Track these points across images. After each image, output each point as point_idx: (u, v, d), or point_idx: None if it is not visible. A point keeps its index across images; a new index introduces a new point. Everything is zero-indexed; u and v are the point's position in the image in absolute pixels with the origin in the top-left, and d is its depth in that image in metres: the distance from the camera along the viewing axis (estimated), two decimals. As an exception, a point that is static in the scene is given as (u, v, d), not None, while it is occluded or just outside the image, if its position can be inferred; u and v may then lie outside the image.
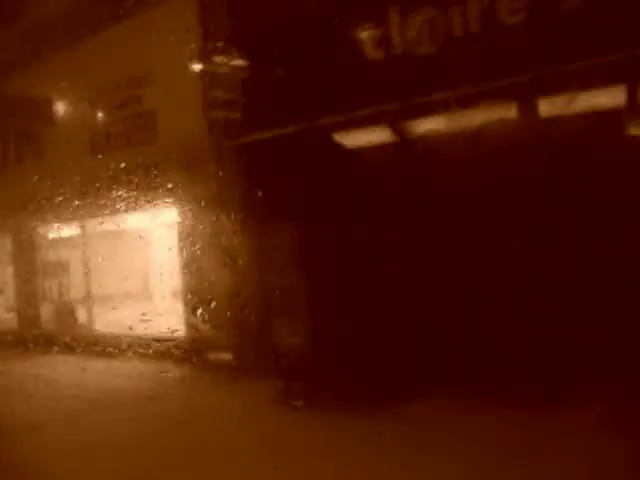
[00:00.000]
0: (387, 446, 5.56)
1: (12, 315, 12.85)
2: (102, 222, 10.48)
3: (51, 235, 12.70)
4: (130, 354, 10.07)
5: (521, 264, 6.49)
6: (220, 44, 8.78)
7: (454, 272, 7.09)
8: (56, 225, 12.22)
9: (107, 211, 10.84)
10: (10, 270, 13.36)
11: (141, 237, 10.92)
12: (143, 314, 9.61)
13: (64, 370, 10.10)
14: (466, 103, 6.91)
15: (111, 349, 10.65)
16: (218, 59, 8.53)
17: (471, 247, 6.78)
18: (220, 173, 9.18)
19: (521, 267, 6.51)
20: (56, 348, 10.81)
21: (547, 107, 6.63)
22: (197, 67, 8.38)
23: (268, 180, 8.46)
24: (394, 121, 7.46)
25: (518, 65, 6.48)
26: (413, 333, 7.43)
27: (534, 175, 6.34)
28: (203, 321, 9.58)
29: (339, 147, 8.06)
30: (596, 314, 6.05)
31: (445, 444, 5.46)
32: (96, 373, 9.54)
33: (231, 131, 8.60)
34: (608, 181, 6.11)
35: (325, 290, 8.18)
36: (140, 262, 10.58)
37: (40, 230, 12.84)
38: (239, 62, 8.47)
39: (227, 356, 9.06)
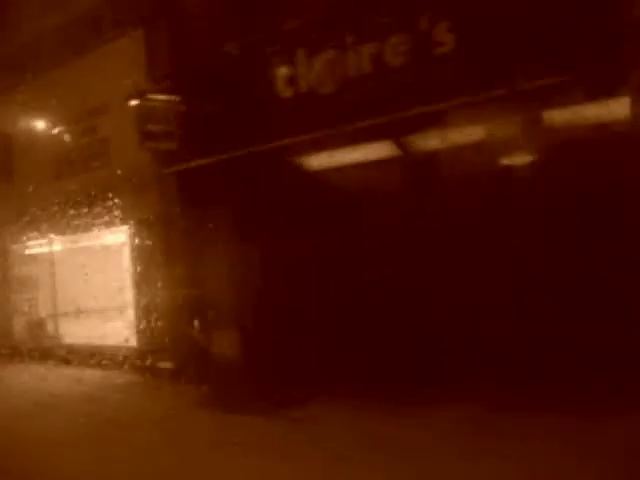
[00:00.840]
0: (283, 444, 6.32)
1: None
2: (54, 241, 11.44)
3: (14, 252, 13.66)
4: (84, 363, 11.04)
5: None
6: (160, 81, 9.70)
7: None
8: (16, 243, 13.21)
9: (63, 231, 11.80)
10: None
11: (94, 255, 11.85)
12: (98, 327, 10.56)
13: (26, 377, 11.10)
14: (363, 137, 7.77)
15: (70, 358, 11.63)
16: (158, 94, 9.41)
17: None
18: (162, 196, 10.08)
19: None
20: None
21: (430, 141, 7.48)
22: (138, 101, 9.23)
23: (200, 202, 9.40)
24: (303, 152, 8.28)
25: (404, 102, 7.29)
26: (325, 346, 8.32)
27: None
28: (150, 332, 10.47)
29: (259, 173, 8.86)
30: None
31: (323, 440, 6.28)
32: (53, 379, 10.52)
33: (168, 159, 9.49)
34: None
35: (253, 304, 9.03)
36: (92, 279, 11.47)
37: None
38: (175, 97, 9.36)
39: (169, 364, 9.91)
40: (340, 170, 8.29)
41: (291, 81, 8.25)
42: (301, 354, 8.52)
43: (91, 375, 10.71)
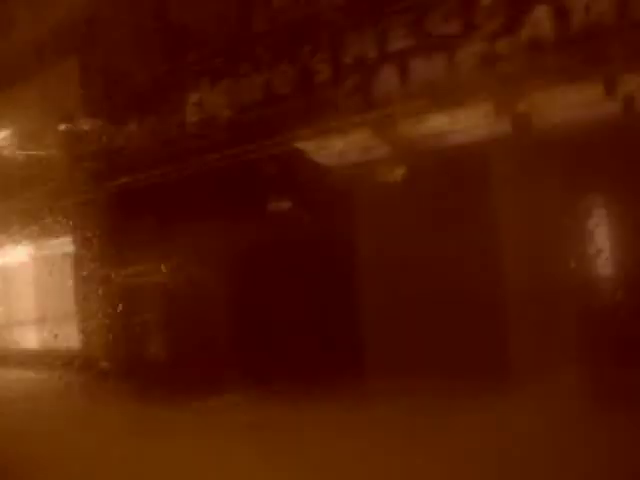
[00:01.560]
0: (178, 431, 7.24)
1: None
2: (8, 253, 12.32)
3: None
4: (34, 366, 12.02)
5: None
6: (92, 105, 10.63)
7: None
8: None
9: (15, 244, 12.71)
10: None
11: (46, 265, 12.76)
12: (50, 333, 11.50)
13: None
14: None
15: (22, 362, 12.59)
16: (88, 119, 10.34)
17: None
18: (102, 211, 10.99)
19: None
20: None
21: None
22: (68, 124, 10.16)
23: (136, 216, 10.31)
24: (211, 172, 9.14)
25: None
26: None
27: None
28: (94, 335, 11.39)
29: (185, 188, 9.74)
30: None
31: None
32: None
33: (101, 178, 10.40)
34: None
35: (185, 308, 9.97)
36: (43, 288, 12.42)
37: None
38: (103, 121, 10.28)
39: (107, 364, 10.84)
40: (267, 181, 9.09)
41: (197, 105, 9.20)
42: (225, 351, 9.46)
43: (36, 377, 11.69)
